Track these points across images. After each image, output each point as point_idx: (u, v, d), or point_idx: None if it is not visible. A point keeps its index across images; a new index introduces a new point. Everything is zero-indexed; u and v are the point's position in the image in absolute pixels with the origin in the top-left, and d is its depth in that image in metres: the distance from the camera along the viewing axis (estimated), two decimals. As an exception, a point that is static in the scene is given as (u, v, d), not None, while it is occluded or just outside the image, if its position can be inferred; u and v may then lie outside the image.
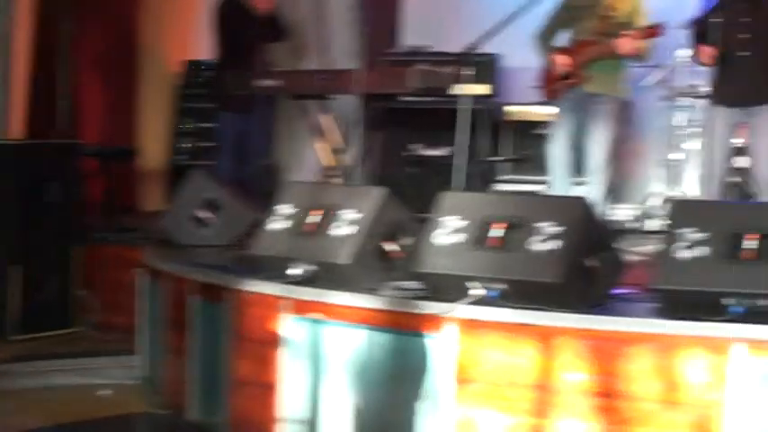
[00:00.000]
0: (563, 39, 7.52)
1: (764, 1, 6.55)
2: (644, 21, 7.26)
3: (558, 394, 4.64)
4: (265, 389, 5.40)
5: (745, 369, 4.34)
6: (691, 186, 8.12)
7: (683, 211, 4.81)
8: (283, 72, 8.34)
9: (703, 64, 6.83)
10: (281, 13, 8.99)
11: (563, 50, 7.40)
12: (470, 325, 4.78)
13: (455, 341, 4.80)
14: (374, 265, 5.19)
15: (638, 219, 8.10)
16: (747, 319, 4.36)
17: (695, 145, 8.11)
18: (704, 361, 4.41)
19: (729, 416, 4.36)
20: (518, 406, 4.70)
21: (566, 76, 7.35)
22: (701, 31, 6.70)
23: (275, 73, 8.20)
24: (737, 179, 7.57)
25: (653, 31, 7.06)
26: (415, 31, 9.63)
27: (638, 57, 7.24)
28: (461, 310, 4.76)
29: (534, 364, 4.68)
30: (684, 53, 7.80)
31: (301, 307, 5.27)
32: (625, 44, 7.08)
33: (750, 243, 4.49)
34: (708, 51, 6.61)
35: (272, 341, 5.36)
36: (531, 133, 8.60)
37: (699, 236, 4.59)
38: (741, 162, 7.44)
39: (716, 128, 6.70)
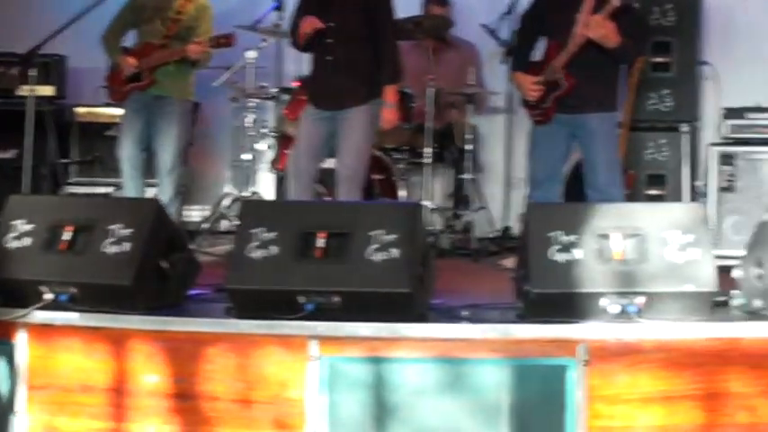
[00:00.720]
0: (132, 40, 7.47)
1: (342, 6, 6.78)
2: (210, 24, 7.35)
3: (135, 397, 4.57)
4: None
5: (321, 365, 4.45)
6: (264, 187, 8.27)
7: (253, 212, 4.87)
8: None
9: (300, 44, 6.86)
10: None
11: (131, 52, 7.35)
12: (41, 331, 4.65)
13: (26, 347, 4.65)
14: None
15: (211, 219, 8.15)
16: (319, 317, 4.47)
17: (264, 146, 8.28)
18: (281, 359, 4.48)
19: (309, 412, 4.45)
20: (93, 411, 4.60)
21: (133, 78, 7.30)
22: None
23: None
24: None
25: (225, 41, 7.14)
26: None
27: (201, 63, 7.31)
28: (31, 315, 4.62)
29: (108, 368, 4.60)
30: (252, 54, 7.93)
31: None
32: (196, 50, 7.12)
33: (319, 241, 4.62)
34: (312, 21, 6.69)
35: None
36: (102, 135, 8.48)
37: (269, 235, 4.65)
38: (327, 163, 7.67)
39: (302, 127, 6.89)
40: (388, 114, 6.80)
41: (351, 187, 6.70)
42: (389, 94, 6.76)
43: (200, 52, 7.16)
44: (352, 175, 6.72)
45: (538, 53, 6.70)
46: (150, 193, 7.51)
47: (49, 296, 4.64)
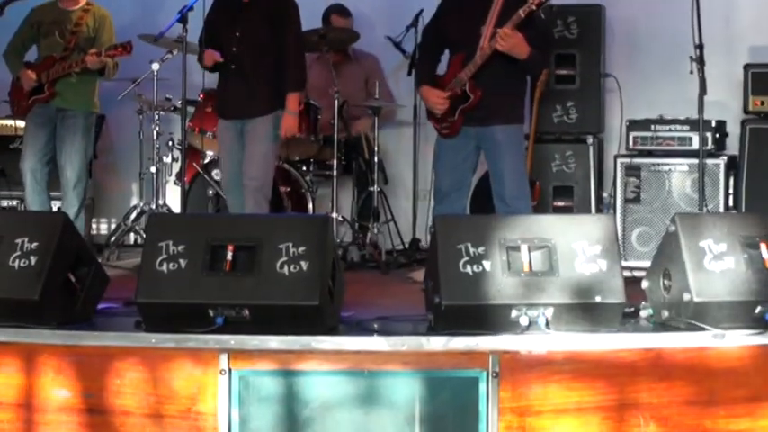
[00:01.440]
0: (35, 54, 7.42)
1: (249, 16, 6.78)
2: (111, 34, 7.33)
3: (45, 413, 4.50)
4: None
5: (232, 379, 4.42)
6: (171, 199, 8.22)
7: (160, 225, 4.82)
8: None
9: (206, 68, 7.00)
10: None
11: (32, 66, 7.32)
12: (-55, 347, 4.57)
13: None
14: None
15: (118, 233, 8.08)
16: (229, 330, 4.44)
17: (170, 158, 8.23)
18: (192, 372, 4.45)
19: (221, 426, 4.42)
20: (3, 426, 4.52)
21: (35, 91, 7.24)
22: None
23: None
24: (212, 191, 7.77)
25: (123, 49, 7.10)
26: None
27: (104, 73, 7.25)
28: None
29: (17, 383, 4.52)
30: (157, 66, 7.89)
31: None
32: (93, 60, 7.06)
33: (228, 254, 4.59)
34: (211, 54, 6.81)
35: None
36: (5, 148, 8.36)
37: (177, 248, 4.62)
38: (215, 174, 7.67)
39: (222, 138, 6.96)
40: (288, 121, 6.85)
41: (258, 198, 6.71)
42: (291, 101, 6.82)
43: (97, 62, 7.12)
44: (259, 186, 6.75)
45: (442, 66, 6.74)
46: (55, 206, 7.43)
47: (-48, 313, 4.56)
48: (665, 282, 4.69)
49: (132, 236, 8.17)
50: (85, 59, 7.10)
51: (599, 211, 7.64)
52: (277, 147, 6.94)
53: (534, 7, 6.19)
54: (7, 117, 8.28)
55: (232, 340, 4.43)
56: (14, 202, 8.21)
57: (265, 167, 6.82)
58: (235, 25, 6.79)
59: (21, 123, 7.91)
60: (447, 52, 6.68)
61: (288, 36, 6.83)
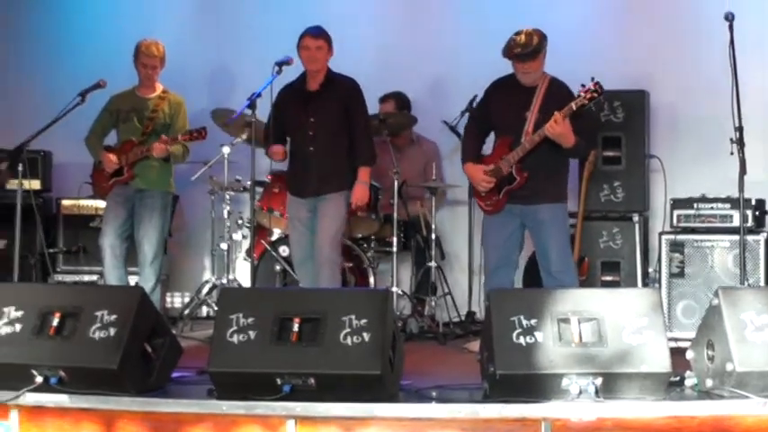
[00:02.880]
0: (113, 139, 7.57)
1: (321, 103, 6.92)
2: (185, 119, 7.45)
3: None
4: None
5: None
6: (241, 274, 8.28)
7: (231, 298, 4.90)
8: None
9: (276, 160, 7.15)
10: None
11: (111, 149, 7.44)
12: (32, 412, 4.64)
13: (18, 428, 4.63)
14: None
15: (192, 306, 8.14)
16: (296, 397, 4.48)
17: (240, 235, 8.32)
18: (261, 438, 4.47)
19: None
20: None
21: (116, 173, 7.35)
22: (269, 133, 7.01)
23: None
24: (279, 267, 7.84)
25: (198, 134, 7.23)
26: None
27: (175, 158, 7.39)
28: (22, 397, 4.61)
29: (97, 448, 4.58)
30: (227, 150, 8.00)
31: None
32: (159, 148, 7.20)
33: (294, 326, 4.63)
34: (279, 151, 6.96)
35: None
36: (86, 226, 8.49)
37: (247, 320, 4.68)
38: (282, 250, 7.73)
39: (295, 215, 7.03)
40: (360, 191, 6.97)
41: (334, 271, 6.82)
42: (363, 173, 6.97)
43: (162, 150, 7.23)
44: (334, 260, 6.87)
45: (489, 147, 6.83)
46: (132, 281, 7.52)
47: (39, 379, 4.64)
48: (709, 352, 4.67)
49: (204, 309, 8.23)
50: (151, 147, 7.23)
51: (645, 285, 7.61)
52: (345, 223, 7.06)
53: (586, 101, 6.28)
54: (88, 197, 8.42)
55: (298, 407, 4.47)
56: (94, 277, 8.31)
57: (338, 242, 6.97)
58: (308, 111, 6.93)
59: (100, 203, 8.05)
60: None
61: (359, 119, 7.01)
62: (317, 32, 6.93)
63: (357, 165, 6.97)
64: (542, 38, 6.49)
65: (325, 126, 6.92)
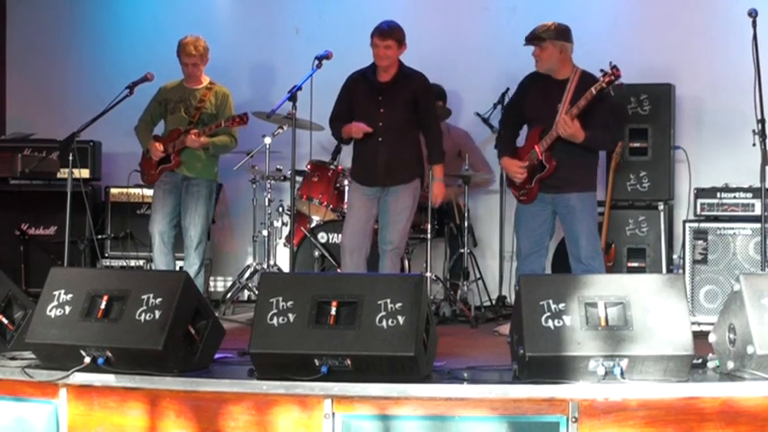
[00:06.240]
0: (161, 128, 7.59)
1: (392, 96, 6.89)
2: (231, 110, 7.48)
3: (168, 452, 4.56)
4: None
5: (335, 422, 4.45)
6: (281, 259, 8.30)
7: (272, 283, 4.88)
8: None
9: (345, 141, 7.14)
10: None
11: (159, 138, 7.46)
12: (80, 391, 4.66)
13: (66, 406, 4.66)
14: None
15: (234, 290, 8.17)
16: (333, 378, 4.48)
17: (280, 222, 8.33)
18: (299, 416, 4.48)
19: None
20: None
21: (163, 161, 7.38)
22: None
23: None
24: (318, 252, 7.85)
25: (239, 120, 7.25)
26: (17, 120, 9.37)
27: (217, 149, 7.41)
28: (71, 377, 4.64)
29: (142, 425, 4.60)
30: (269, 140, 8.01)
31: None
32: (192, 140, 7.22)
33: (332, 309, 4.63)
34: (361, 127, 6.83)
35: None
36: (133, 213, 8.54)
37: (287, 304, 4.67)
38: (320, 237, 7.73)
39: (356, 203, 6.99)
40: (438, 188, 7.00)
41: (395, 260, 6.86)
42: (438, 171, 6.99)
43: (196, 142, 7.25)
44: (397, 249, 6.87)
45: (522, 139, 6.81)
46: (177, 266, 7.56)
47: (87, 359, 4.66)
48: (731, 336, 4.63)
49: (246, 292, 8.25)
50: (186, 139, 7.26)
51: (669, 271, 7.57)
52: (413, 213, 7.02)
53: (605, 85, 6.29)
54: (135, 186, 8.46)
55: (336, 387, 4.47)
56: (141, 262, 8.36)
57: (405, 233, 6.94)
58: (379, 102, 6.89)
59: (147, 192, 8.10)
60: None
61: (429, 115, 6.99)
62: (386, 33, 6.83)
63: (431, 162, 6.99)
64: (555, 30, 6.53)
65: (394, 117, 6.87)
